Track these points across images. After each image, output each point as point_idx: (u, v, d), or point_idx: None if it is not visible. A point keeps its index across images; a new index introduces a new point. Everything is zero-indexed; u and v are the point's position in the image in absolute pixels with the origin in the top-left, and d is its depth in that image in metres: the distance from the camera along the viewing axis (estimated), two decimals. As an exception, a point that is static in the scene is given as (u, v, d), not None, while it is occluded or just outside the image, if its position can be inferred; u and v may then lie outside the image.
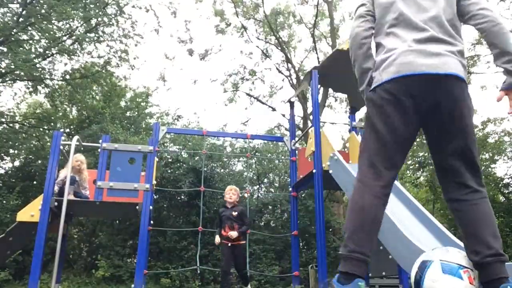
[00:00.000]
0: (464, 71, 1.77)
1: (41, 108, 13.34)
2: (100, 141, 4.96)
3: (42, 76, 11.31)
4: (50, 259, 8.68)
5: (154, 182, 5.12)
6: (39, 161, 11.01)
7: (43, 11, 10.40)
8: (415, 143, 8.71)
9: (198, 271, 7.41)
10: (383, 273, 4.30)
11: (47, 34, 10.48)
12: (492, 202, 1.98)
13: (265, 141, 12.79)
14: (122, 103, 13.39)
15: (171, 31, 34.30)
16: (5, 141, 11.16)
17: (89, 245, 11.12)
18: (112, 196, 4.71)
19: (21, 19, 10.39)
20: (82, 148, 5.69)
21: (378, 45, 1.92)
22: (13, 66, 9.57)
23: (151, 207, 4.91)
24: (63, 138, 4.98)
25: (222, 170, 11.90)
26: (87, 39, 11.42)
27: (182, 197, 11.12)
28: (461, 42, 1.84)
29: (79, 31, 11.46)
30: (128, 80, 14.21)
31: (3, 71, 10.31)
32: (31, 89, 12.02)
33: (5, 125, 11.87)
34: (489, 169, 13.37)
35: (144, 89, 14.73)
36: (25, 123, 12.53)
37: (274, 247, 10.53)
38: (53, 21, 10.81)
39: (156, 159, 5.26)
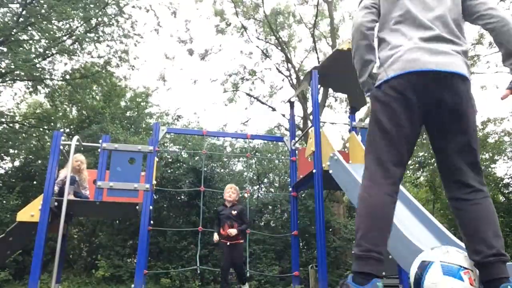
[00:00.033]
0: (468, 71, 1.78)
1: (41, 108, 13.34)
2: (100, 141, 4.96)
3: (42, 76, 11.32)
4: (50, 259, 8.69)
5: (154, 182, 5.12)
6: (39, 161, 11.01)
7: (43, 11, 10.41)
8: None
9: (198, 271, 7.41)
10: (383, 273, 4.30)
11: (47, 34, 10.48)
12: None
13: (265, 141, 12.78)
14: (122, 103, 13.39)
15: (171, 31, 34.31)
16: (5, 141, 11.16)
17: (89, 245, 11.12)
18: (112, 196, 4.71)
19: (21, 19, 10.39)
20: (82, 148, 5.69)
21: (382, 41, 1.91)
22: (13, 66, 9.56)
23: (151, 207, 4.91)
24: (63, 138, 4.99)
25: (222, 170, 11.90)
26: (87, 39, 11.42)
27: (182, 197, 11.12)
28: (466, 42, 1.85)
29: (79, 31, 11.46)
30: (128, 80, 14.21)
31: (3, 71, 10.31)
32: (31, 89, 12.03)
33: (5, 125, 11.87)
34: (489, 169, 13.36)
35: (144, 89, 14.74)
36: (25, 123, 12.53)
37: (274, 247, 10.53)
38: (53, 21, 10.81)
39: (156, 159, 5.26)
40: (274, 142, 12.55)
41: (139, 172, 4.86)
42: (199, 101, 28.57)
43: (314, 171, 4.78)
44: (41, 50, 10.97)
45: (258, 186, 13.27)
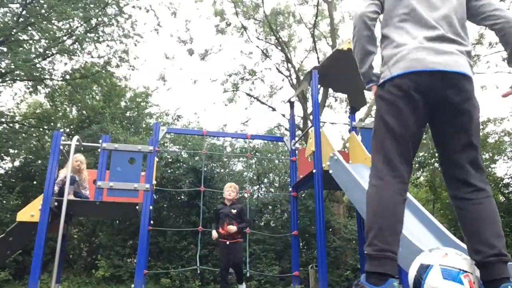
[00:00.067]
0: (472, 71, 1.79)
1: (41, 108, 13.33)
2: (100, 141, 4.96)
3: (42, 76, 11.31)
4: (50, 259, 8.69)
5: (154, 182, 5.12)
6: (39, 161, 11.00)
7: (43, 11, 10.41)
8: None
9: (198, 271, 7.41)
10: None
11: (47, 34, 10.48)
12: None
13: (265, 141, 12.78)
14: (122, 103, 13.39)
15: (171, 31, 34.29)
16: (5, 141, 11.16)
17: (89, 245, 11.12)
18: (112, 196, 4.71)
19: (21, 19, 10.39)
20: (82, 148, 5.69)
21: (385, 38, 1.90)
22: (13, 66, 9.56)
23: (151, 207, 4.91)
24: (63, 138, 4.99)
25: (222, 170, 11.89)
26: (87, 39, 11.42)
27: (182, 197, 11.11)
28: (469, 43, 1.85)
29: (79, 31, 11.46)
30: (128, 81, 14.21)
31: (3, 71, 10.31)
32: (31, 89, 12.03)
33: (5, 125, 11.87)
34: (489, 169, 13.36)
35: (144, 89, 14.74)
36: (25, 123, 12.53)
37: (274, 247, 10.53)
38: (53, 21, 10.81)
39: (156, 159, 5.26)
40: (274, 142, 12.55)
41: (139, 172, 4.86)
42: (199, 101, 28.58)
43: (314, 171, 4.78)
44: (41, 50, 10.97)
45: (258, 186, 13.27)
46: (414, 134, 1.77)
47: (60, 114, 12.99)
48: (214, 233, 4.60)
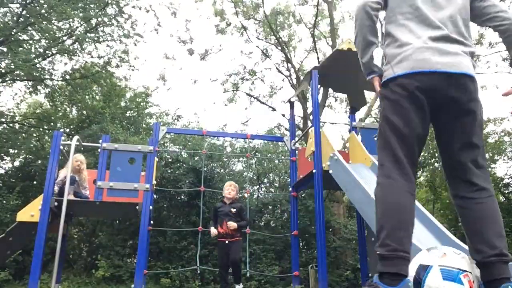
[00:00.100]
0: (475, 72, 1.79)
1: (41, 108, 13.33)
2: (100, 141, 4.96)
3: (42, 76, 11.31)
4: (50, 259, 8.68)
5: (154, 182, 5.12)
6: (39, 161, 11.00)
7: (43, 11, 10.41)
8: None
9: (198, 271, 7.41)
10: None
11: (47, 34, 10.48)
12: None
13: (265, 141, 12.78)
14: (122, 103, 13.39)
15: (171, 31, 34.29)
16: (5, 141, 11.16)
17: (89, 245, 11.12)
18: (112, 196, 4.71)
19: (21, 19, 10.40)
20: (82, 148, 5.69)
21: (388, 35, 1.89)
22: (13, 66, 9.56)
23: (151, 207, 4.91)
24: (63, 138, 4.99)
25: (222, 170, 11.89)
26: (87, 39, 11.42)
27: (182, 197, 11.12)
28: (472, 43, 1.86)
29: (79, 31, 11.46)
30: (128, 81, 14.22)
31: (3, 71, 10.31)
32: (31, 89, 12.03)
33: (5, 125, 11.87)
34: (489, 169, 13.36)
35: (144, 89, 14.74)
36: (25, 123, 12.53)
37: (274, 247, 10.53)
38: (53, 21, 10.81)
39: (156, 159, 5.26)
40: (274, 142, 12.55)
41: (139, 172, 4.86)
42: (199, 101, 28.58)
43: (314, 171, 4.78)
44: (41, 50, 10.97)
45: (258, 186, 13.27)
46: (419, 135, 1.76)
47: (60, 114, 12.99)
48: (213, 230, 4.55)
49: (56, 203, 4.55)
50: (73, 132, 11.94)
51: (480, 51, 13.77)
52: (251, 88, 17.87)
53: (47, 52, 11.05)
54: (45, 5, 10.36)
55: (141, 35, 12.67)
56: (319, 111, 6.18)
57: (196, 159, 10.87)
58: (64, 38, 11.34)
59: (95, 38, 11.79)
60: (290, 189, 5.95)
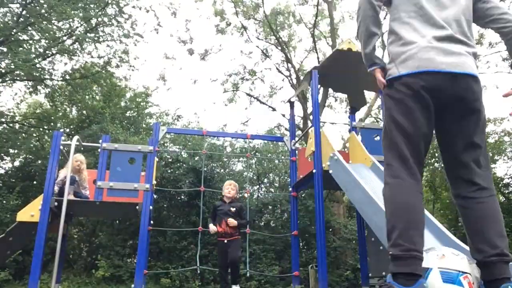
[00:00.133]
0: (478, 73, 1.79)
1: (41, 108, 13.34)
2: (100, 141, 4.96)
3: (42, 76, 11.31)
4: (50, 259, 8.68)
5: (154, 182, 5.12)
6: (39, 161, 11.01)
7: (43, 11, 10.41)
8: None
9: (198, 271, 7.40)
10: (383, 273, 4.30)
11: (47, 34, 10.48)
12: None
13: (265, 141, 12.78)
14: (122, 103, 13.39)
15: (171, 31, 34.29)
16: (5, 141, 11.16)
17: (89, 245, 11.12)
18: (112, 196, 4.71)
19: (21, 19, 10.40)
20: (82, 148, 5.69)
21: (392, 33, 1.89)
22: (13, 66, 9.56)
23: (151, 207, 4.91)
24: (63, 138, 4.98)
25: (222, 170, 11.89)
26: (87, 39, 11.42)
27: (182, 197, 11.12)
28: (475, 44, 1.86)
29: (79, 31, 11.46)
30: (128, 81, 14.23)
31: (3, 71, 10.31)
32: (31, 89, 12.03)
33: (5, 125, 11.87)
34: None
35: (144, 89, 14.74)
36: (25, 123, 12.53)
37: (274, 247, 10.53)
38: (53, 21, 10.81)
39: (156, 159, 5.26)
40: (274, 142, 12.55)
41: (139, 172, 4.85)
42: (199, 101, 28.58)
43: (314, 171, 4.78)
44: (41, 50, 10.97)
45: (258, 186, 13.27)
46: (424, 134, 1.75)
47: (60, 114, 12.99)
48: (212, 226, 4.50)
49: (56, 203, 4.55)
50: (73, 132, 11.94)
51: (480, 51, 13.78)
52: (251, 88, 17.90)
53: (47, 52, 11.05)
54: (45, 5, 10.36)
55: (141, 35, 12.68)
56: (319, 111, 6.18)
57: (196, 159, 10.87)
58: (64, 38, 11.34)
59: (95, 38, 11.79)
60: (290, 189, 5.95)
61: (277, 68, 16.98)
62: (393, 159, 1.76)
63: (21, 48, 10.38)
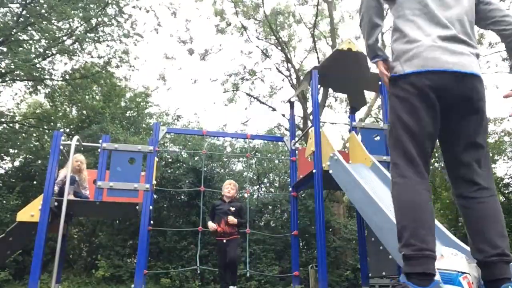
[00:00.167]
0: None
1: (41, 108, 13.34)
2: (100, 141, 4.96)
3: (42, 76, 11.32)
4: (50, 259, 8.68)
5: (154, 182, 5.11)
6: (39, 161, 11.01)
7: (43, 11, 10.41)
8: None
9: (198, 271, 7.40)
10: (383, 273, 4.29)
11: (47, 34, 10.48)
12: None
13: (265, 141, 12.78)
14: (122, 103, 13.40)
15: (171, 31, 34.29)
16: (5, 141, 11.16)
17: (89, 245, 11.12)
18: (112, 196, 4.71)
19: (21, 19, 10.40)
20: (82, 148, 5.69)
21: (396, 30, 1.88)
22: (13, 66, 9.57)
23: (151, 207, 4.90)
24: (63, 138, 4.98)
25: (222, 170, 11.90)
26: (87, 39, 11.42)
27: (182, 197, 11.12)
28: (477, 45, 1.86)
29: (79, 31, 11.46)
30: (128, 81, 14.23)
31: (3, 71, 10.31)
32: (31, 89, 12.03)
33: (5, 125, 11.88)
34: (489, 169, 13.36)
35: (144, 89, 14.75)
36: (25, 123, 12.53)
37: (274, 247, 10.53)
38: (53, 21, 10.81)
39: (156, 159, 5.26)
40: (274, 142, 12.56)
41: (139, 172, 4.85)
42: (199, 101, 28.58)
43: (314, 171, 4.78)
44: (41, 50, 10.97)
45: (258, 186, 13.27)
46: (430, 134, 1.75)
47: (60, 114, 13.00)
48: (212, 224, 4.49)
49: (56, 203, 4.54)
50: (73, 132, 11.95)
51: (480, 51, 13.77)
52: (251, 88, 17.90)
53: (47, 52, 11.05)
54: (45, 5, 10.36)
55: (141, 35, 12.68)
56: (319, 111, 6.17)
57: (196, 159, 10.87)
58: (64, 38, 11.34)
59: (95, 38, 11.79)
60: (290, 189, 5.95)
61: (277, 68, 16.99)
62: (399, 158, 1.75)
63: (21, 48, 10.38)
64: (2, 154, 11.63)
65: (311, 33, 15.71)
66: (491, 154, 13.57)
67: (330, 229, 11.35)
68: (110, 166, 4.82)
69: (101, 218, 9.99)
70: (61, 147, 4.95)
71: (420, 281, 1.52)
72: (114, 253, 9.90)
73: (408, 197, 1.67)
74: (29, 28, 10.52)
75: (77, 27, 11.49)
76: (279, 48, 16.26)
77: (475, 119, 1.76)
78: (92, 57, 12.24)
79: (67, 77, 12.16)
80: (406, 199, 1.67)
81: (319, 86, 5.80)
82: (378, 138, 5.23)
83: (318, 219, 4.63)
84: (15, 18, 10.39)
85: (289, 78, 16.78)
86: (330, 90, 13.24)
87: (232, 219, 4.43)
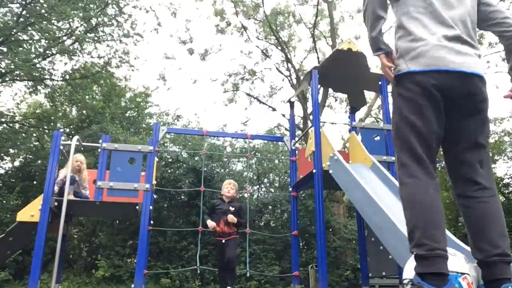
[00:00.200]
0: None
1: (41, 108, 13.34)
2: (100, 141, 4.96)
3: (42, 76, 11.32)
4: (50, 259, 8.68)
5: (154, 182, 5.11)
6: (39, 161, 11.01)
7: (43, 11, 10.41)
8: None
9: (198, 271, 7.40)
10: (383, 273, 4.30)
11: (47, 34, 10.48)
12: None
13: (265, 141, 12.78)
14: (122, 103, 13.40)
15: (171, 31, 34.30)
16: (5, 141, 11.16)
17: (89, 245, 11.12)
18: (112, 196, 4.71)
19: (21, 19, 10.40)
20: (82, 148, 5.69)
21: (400, 27, 1.88)
22: (13, 66, 9.57)
23: (151, 207, 4.90)
24: (63, 138, 4.98)
25: (222, 170, 11.90)
26: (87, 39, 11.42)
27: (182, 197, 11.12)
28: (479, 46, 1.87)
29: (79, 31, 11.46)
30: (128, 81, 14.24)
31: (3, 71, 10.31)
32: (31, 89, 12.03)
33: (5, 125, 11.88)
34: (489, 169, 13.37)
35: (144, 89, 14.76)
36: (25, 123, 12.53)
37: (274, 247, 10.53)
38: (53, 21, 10.81)
39: (156, 159, 5.26)
40: (274, 142, 12.56)
41: (139, 172, 4.85)
42: (199, 101, 28.58)
43: (314, 171, 4.78)
44: (41, 50, 10.97)
45: (258, 186, 13.27)
46: (436, 133, 1.75)
47: (60, 114, 13.00)
48: (211, 222, 4.48)
49: (56, 203, 4.54)
50: (73, 132, 11.95)
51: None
52: (251, 88, 17.89)
53: (47, 52, 11.05)
54: (45, 5, 10.36)
55: (141, 35, 12.69)
56: (319, 111, 6.18)
57: (196, 159, 10.87)
58: (64, 38, 11.34)
59: (95, 38, 11.79)
60: (290, 189, 5.95)
61: (277, 68, 16.99)
62: (407, 159, 1.73)
63: (21, 48, 10.38)
64: (2, 154, 11.63)
65: (311, 33, 15.71)
66: (491, 154, 13.58)
67: (330, 229, 11.35)
68: (110, 166, 4.82)
69: (101, 218, 9.98)
70: (61, 147, 4.95)
71: (434, 281, 1.51)
72: (114, 253, 9.90)
73: (420, 197, 1.66)
74: (29, 28, 10.52)
75: (77, 27, 11.49)
76: (279, 48, 16.26)
77: (478, 119, 1.77)
78: (92, 57, 12.25)
79: (67, 77, 12.16)
80: (417, 200, 1.66)
81: (319, 86, 5.80)
82: (378, 138, 5.23)
83: (318, 219, 4.63)
84: (15, 18, 10.39)
85: (289, 78, 16.79)
86: (330, 90, 13.24)
87: (232, 218, 4.42)
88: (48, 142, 11.49)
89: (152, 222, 5.17)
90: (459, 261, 1.67)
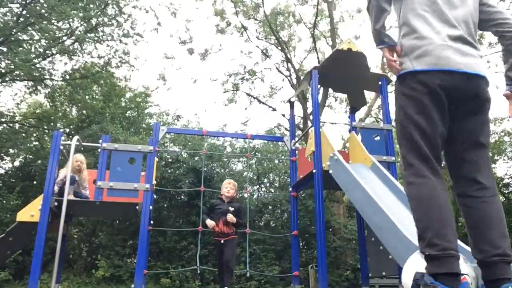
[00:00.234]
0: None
1: (41, 108, 13.34)
2: (100, 141, 4.95)
3: (42, 76, 11.32)
4: (50, 259, 8.68)
5: (154, 182, 5.11)
6: (39, 161, 11.01)
7: (43, 11, 10.41)
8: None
9: (198, 271, 7.40)
10: (383, 273, 4.30)
11: (47, 34, 10.48)
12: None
13: (265, 141, 12.78)
14: (122, 103, 13.40)
15: (171, 31, 34.30)
16: (5, 141, 11.16)
17: (89, 245, 11.12)
18: (112, 196, 4.70)
19: (21, 19, 10.40)
20: (82, 148, 5.69)
21: (405, 24, 1.87)
22: (13, 66, 9.57)
23: (151, 207, 4.90)
24: (63, 138, 4.98)
25: (222, 170, 11.90)
26: (87, 39, 11.42)
27: (182, 197, 11.12)
28: (480, 47, 1.88)
29: (79, 31, 11.46)
30: (128, 81, 14.24)
31: (3, 71, 10.31)
32: (31, 89, 12.03)
33: (5, 125, 11.88)
34: (489, 169, 13.39)
35: (144, 89, 14.76)
36: (25, 123, 12.53)
37: (274, 247, 10.53)
38: (53, 21, 10.81)
39: (156, 159, 5.26)
40: (274, 142, 12.56)
41: (139, 172, 4.85)
42: (199, 101, 28.57)
43: (314, 171, 4.78)
44: (41, 50, 10.97)
45: (258, 186, 13.27)
46: (441, 133, 1.75)
47: (60, 114, 13.00)
48: (210, 221, 4.47)
49: (56, 203, 4.54)
50: (73, 132, 11.95)
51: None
52: (251, 88, 17.89)
53: (47, 52, 11.05)
54: (45, 5, 10.36)
55: (141, 35, 12.69)
56: (319, 111, 6.18)
57: (196, 159, 10.87)
58: (64, 38, 11.34)
59: (95, 38, 11.79)
60: (290, 189, 5.95)
61: (277, 68, 16.99)
62: (414, 159, 1.72)
63: (21, 48, 10.37)
64: (2, 154, 11.63)
65: (311, 33, 15.70)
66: (491, 154, 13.58)
67: (330, 229, 11.35)
68: (110, 166, 4.82)
69: (101, 218, 9.98)
70: (61, 147, 4.95)
71: (448, 281, 1.49)
72: (114, 253, 9.90)
73: (429, 197, 1.65)
74: (29, 28, 10.52)
75: (77, 27, 11.49)
76: (279, 48, 16.26)
77: (480, 119, 1.78)
78: (92, 57, 12.25)
79: (67, 77, 12.16)
80: (427, 199, 1.65)
81: (319, 86, 5.80)
82: (378, 138, 5.23)
83: (318, 219, 4.63)
84: (15, 18, 10.39)
85: (289, 78, 16.78)
86: (330, 90, 13.24)
87: (231, 217, 4.42)
88: (48, 142, 11.49)
89: (152, 222, 5.16)
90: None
